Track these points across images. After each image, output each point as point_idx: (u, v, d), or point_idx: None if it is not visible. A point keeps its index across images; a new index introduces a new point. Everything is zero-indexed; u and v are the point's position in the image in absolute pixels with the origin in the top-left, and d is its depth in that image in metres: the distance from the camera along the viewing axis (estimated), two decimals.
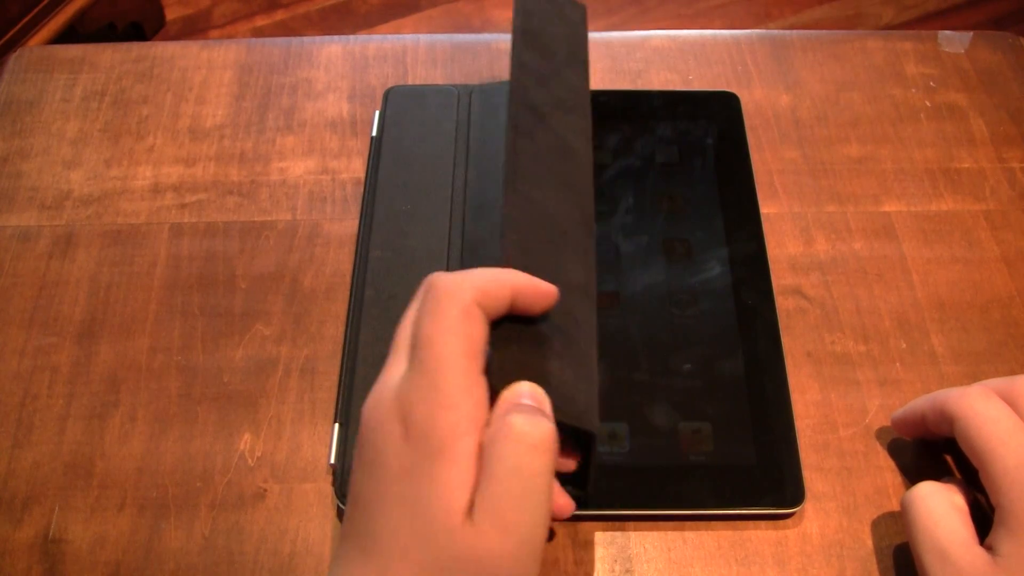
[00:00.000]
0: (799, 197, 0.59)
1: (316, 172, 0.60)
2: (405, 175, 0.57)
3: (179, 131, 0.62)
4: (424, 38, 0.67)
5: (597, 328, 0.44)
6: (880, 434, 0.49)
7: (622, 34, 0.68)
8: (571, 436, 0.40)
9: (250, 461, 0.49)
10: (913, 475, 0.48)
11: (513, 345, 0.39)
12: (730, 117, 0.61)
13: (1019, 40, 0.67)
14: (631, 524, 0.47)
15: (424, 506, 0.34)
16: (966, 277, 0.55)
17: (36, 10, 1.47)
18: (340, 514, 0.47)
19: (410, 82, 0.64)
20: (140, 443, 0.49)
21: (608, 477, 0.47)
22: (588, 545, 0.46)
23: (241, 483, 0.48)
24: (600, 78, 0.65)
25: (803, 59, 0.66)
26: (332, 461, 0.47)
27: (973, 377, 0.51)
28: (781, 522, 0.47)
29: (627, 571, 0.45)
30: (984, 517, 0.42)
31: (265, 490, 0.48)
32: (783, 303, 0.54)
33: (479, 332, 0.37)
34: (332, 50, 0.67)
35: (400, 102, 0.61)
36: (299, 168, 0.60)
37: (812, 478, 0.48)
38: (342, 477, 0.47)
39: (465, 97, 0.61)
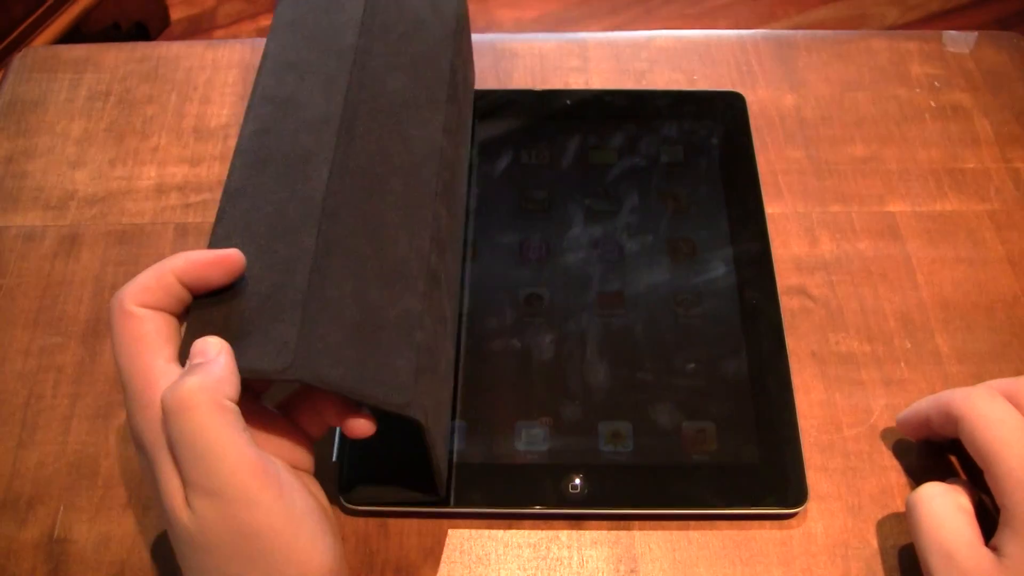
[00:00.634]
0: (804, 197, 0.59)
1: None
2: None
3: (184, 131, 0.62)
4: None
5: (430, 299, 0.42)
6: (885, 434, 0.49)
7: (627, 34, 0.68)
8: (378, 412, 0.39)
9: None
10: (918, 475, 0.48)
11: (203, 313, 0.38)
12: (735, 117, 0.61)
13: None
14: (636, 524, 0.47)
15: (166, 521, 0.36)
16: (971, 277, 0.55)
17: (41, 10, 1.48)
18: (344, 510, 0.47)
19: None
20: None
21: (612, 476, 0.47)
22: (593, 544, 0.46)
23: None
24: (605, 78, 0.65)
25: (808, 59, 0.66)
26: (335, 459, 0.47)
27: (978, 377, 0.51)
28: (785, 522, 0.47)
29: (632, 571, 0.45)
30: (989, 518, 0.42)
31: None
32: (787, 303, 0.54)
33: (151, 327, 0.37)
34: None
35: None
36: None
37: (817, 478, 0.48)
38: (345, 474, 0.47)
39: None
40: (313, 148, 0.43)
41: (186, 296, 0.38)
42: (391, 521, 0.47)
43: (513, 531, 0.47)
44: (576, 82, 0.65)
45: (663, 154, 0.59)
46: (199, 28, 1.85)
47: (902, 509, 0.47)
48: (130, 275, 0.52)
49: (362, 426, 0.40)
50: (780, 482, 0.47)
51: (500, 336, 0.52)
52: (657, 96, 0.63)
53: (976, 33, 0.67)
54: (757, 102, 0.63)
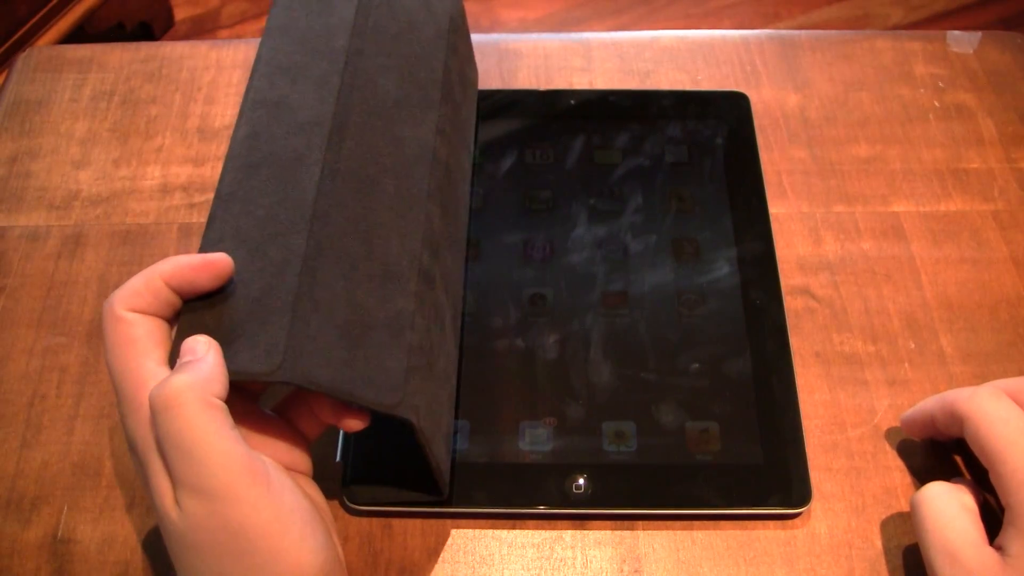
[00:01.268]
0: (808, 197, 0.59)
1: None
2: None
3: (188, 131, 0.62)
4: None
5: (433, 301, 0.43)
6: (889, 434, 0.49)
7: (631, 34, 0.68)
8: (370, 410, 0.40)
9: None
10: (922, 475, 0.48)
11: (193, 317, 0.38)
12: (739, 117, 0.61)
13: None
14: (640, 524, 0.47)
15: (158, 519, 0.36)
16: (975, 277, 0.55)
17: (45, 10, 1.48)
18: (347, 510, 0.47)
19: None
20: None
21: (616, 476, 0.47)
22: (597, 544, 0.46)
23: None
24: (609, 78, 0.65)
25: (812, 59, 0.66)
26: (339, 458, 0.47)
27: (982, 377, 0.51)
28: (789, 522, 0.47)
29: (636, 571, 0.45)
30: (994, 518, 0.42)
31: None
32: (791, 303, 0.54)
33: (141, 331, 0.37)
34: None
35: None
36: None
37: (821, 478, 0.48)
38: (349, 474, 0.47)
39: None
40: (304, 151, 0.43)
41: (175, 300, 0.38)
42: (395, 521, 0.47)
43: (517, 531, 0.47)
44: (580, 82, 0.65)
45: (667, 154, 0.59)
46: (203, 28, 1.85)
47: (906, 509, 0.47)
48: (134, 275, 0.52)
49: (356, 422, 0.41)
50: (784, 482, 0.47)
51: (504, 336, 0.52)
52: (661, 96, 0.63)
53: (980, 33, 0.67)
54: (761, 102, 0.63)
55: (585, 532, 0.47)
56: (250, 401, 0.42)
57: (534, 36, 0.68)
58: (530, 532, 0.47)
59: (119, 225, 0.58)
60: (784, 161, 0.60)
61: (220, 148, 0.61)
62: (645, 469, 0.47)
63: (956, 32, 0.68)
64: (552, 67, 0.66)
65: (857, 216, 0.58)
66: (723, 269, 0.54)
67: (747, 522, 0.47)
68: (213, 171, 0.60)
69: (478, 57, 0.66)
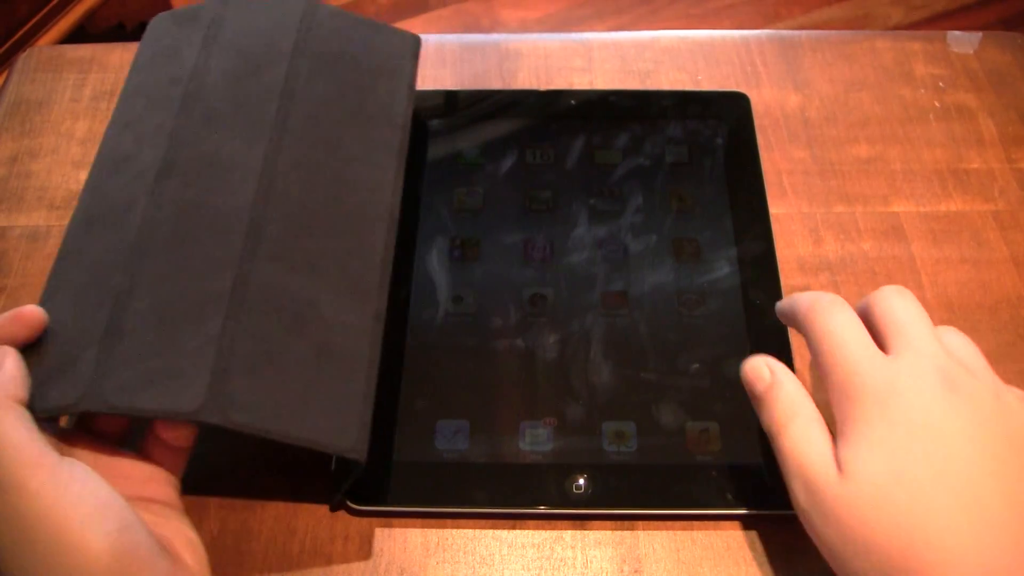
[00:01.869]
0: (808, 197, 0.59)
1: None
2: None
3: None
4: (433, 38, 0.67)
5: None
6: None
7: (631, 34, 0.68)
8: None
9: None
10: None
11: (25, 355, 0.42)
12: (739, 117, 0.61)
13: None
14: (640, 524, 0.47)
15: None
16: (975, 277, 0.55)
17: (45, 10, 1.48)
18: (349, 511, 0.47)
19: (419, 85, 0.64)
20: None
21: (616, 476, 0.47)
22: (597, 544, 0.46)
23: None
24: (609, 78, 0.65)
25: (812, 59, 0.66)
26: (334, 465, 0.47)
27: None
28: (790, 522, 0.47)
29: (636, 571, 0.45)
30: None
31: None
32: None
33: None
34: None
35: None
36: None
37: None
38: (343, 475, 0.47)
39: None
40: (135, 196, 0.47)
41: (9, 349, 0.41)
42: (395, 521, 0.47)
43: (517, 531, 0.47)
44: (580, 82, 0.65)
45: (667, 154, 0.59)
46: None
47: None
48: None
49: (174, 434, 0.43)
50: (784, 482, 0.47)
51: (504, 336, 0.52)
52: (661, 96, 0.63)
53: (980, 33, 0.67)
54: (761, 102, 0.63)
55: (585, 532, 0.47)
56: (107, 443, 0.43)
57: (534, 36, 0.68)
58: (530, 532, 0.47)
59: None
60: (784, 161, 0.61)
61: None
62: (645, 469, 0.47)
63: (956, 32, 0.68)
64: (552, 67, 0.66)
65: (857, 216, 0.58)
66: (723, 269, 0.54)
67: (747, 522, 0.47)
68: None
69: (478, 57, 0.66)
